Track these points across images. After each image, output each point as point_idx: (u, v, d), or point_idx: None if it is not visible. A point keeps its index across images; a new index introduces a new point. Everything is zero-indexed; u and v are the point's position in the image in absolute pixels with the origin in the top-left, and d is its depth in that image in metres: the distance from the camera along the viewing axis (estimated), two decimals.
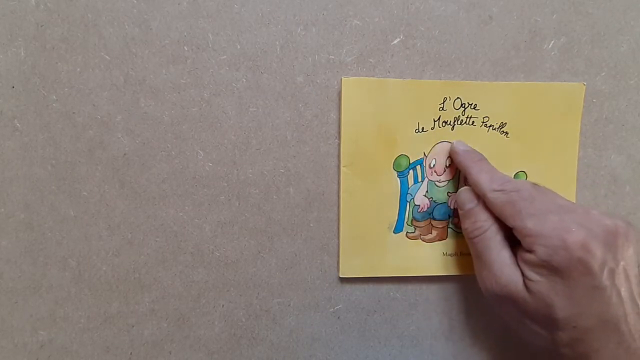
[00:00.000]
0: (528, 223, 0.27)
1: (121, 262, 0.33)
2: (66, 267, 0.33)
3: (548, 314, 0.26)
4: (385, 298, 0.35)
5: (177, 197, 0.33)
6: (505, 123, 0.34)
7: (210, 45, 0.33)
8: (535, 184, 0.29)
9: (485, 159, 0.32)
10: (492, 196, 0.29)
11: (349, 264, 0.34)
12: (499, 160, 0.34)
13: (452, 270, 0.35)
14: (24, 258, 0.33)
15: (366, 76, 0.33)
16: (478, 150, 0.34)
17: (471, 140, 0.34)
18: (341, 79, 0.33)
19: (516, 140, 0.34)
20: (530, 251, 0.27)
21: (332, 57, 0.33)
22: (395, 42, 0.34)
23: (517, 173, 0.34)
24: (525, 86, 0.34)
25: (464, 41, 0.34)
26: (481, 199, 0.30)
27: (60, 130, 0.33)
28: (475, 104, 0.34)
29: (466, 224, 0.30)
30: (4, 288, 0.33)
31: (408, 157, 0.34)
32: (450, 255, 0.35)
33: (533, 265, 0.26)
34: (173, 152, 0.33)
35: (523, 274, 0.27)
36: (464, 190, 0.32)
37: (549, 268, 0.26)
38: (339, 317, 0.35)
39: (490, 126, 0.34)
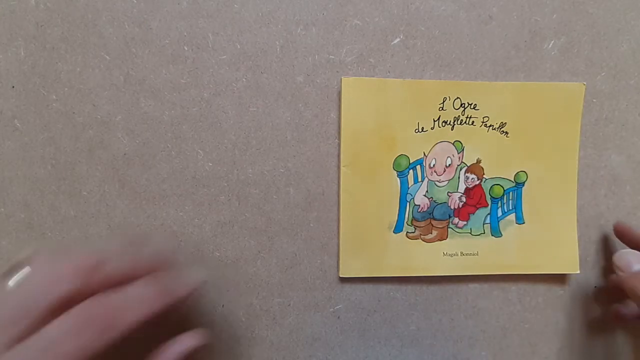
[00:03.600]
0: None
1: None
2: None
3: None
4: (385, 298, 0.35)
5: (177, 197, 0.33)
6: (505, 123, 0.34)
7: (210, 45, 0.33)
8: None
9: None
10: None
11: (349, 264, 0.34)
12: (499, 160, 0.34)
13: (452, 270, 0.34)
14: None
15: (366, 76, 0.33)
16: (478, 149, 0.34)
17: (471, 140, 0.34)
18: (341, 79, 0.33)
19: (516, 140, 0.34)
20: None
21: (332, 57, 0.33)
22: (395, 42, 0.34)
23: (517, 173, 0.34)
24: (525, 86, 0.34)
25: (464, 41, 0.34)
26: None
27: (60, 130, 0.33)
28: (475, 104, 0.34)
29: None
30: None
31: (408, 157, 0.34)
32: (451, 255, 0.34)
33: None
34: (173, 152, 0.33)
35: None
36: (626, 253, 0.31)
37: None
38: (339, 317, 0.35)
39: (490, 126, 0.34)
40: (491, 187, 0.34)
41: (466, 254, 0.34)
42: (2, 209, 0.33)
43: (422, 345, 0.35)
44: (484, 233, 0.35)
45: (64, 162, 0.33)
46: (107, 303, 0.21)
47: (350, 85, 0.33)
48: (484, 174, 0.34)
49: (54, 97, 0.32)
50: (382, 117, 0.33)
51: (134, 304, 0.22)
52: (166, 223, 0.33)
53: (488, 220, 0.35)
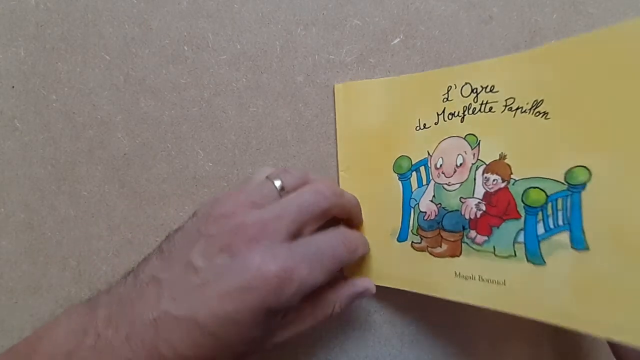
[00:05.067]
0: None
1: (121, 262, 0.33)
2: (66, 267, 0.33)
3: None
4: (385, 298, 0.35)
5: (177, 197, 0.33)
6: (542, 100, 0.25)
7: (210, 45, 0.33)
8: None
9: None
10: None
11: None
12: (536, 153, 0.25)
13: (468, 297, 0.26)
14: (24, 258, 0.33)
15: (366, 76, 0.33)
16: (501, 142, 0.26)
17: (490, 131, 0.27)
18: (333, 86, 0.32)
19: (562, 122, 0.24)
20: None
21: (332, 57, 0.33)
22: (395, 42, 0.34)
23: (571, 170, 0.24)
24: (567, 45, 0.24)
25: (464, 41, 0.34)
26: None
27: (60, 130, 0.33)
28: (492, 86, 0.27)
29: None
30: (4, 288, 0.33)
31: (409, 158, 0.30)
32: (466, 277, 0.27)
33: None
34: (173, 152, 0.33)
35: None
36: None
37: None
38: (339, 317, 0.35)
39: (517, 109, 0.26)
40: (525, 191, 0.25)
41: (487, 280, 0.26)
42: (2, 209, 0.33)
43: (422, 345, 0.35)
44: (515, 256, 0.25)
45: (64, 162, 0.33)
46: (352, 235, 0.27)
47: (343, 91, 0.32)
48: (511, 173, 0.26)
49: (54, 97, 0.32)
50: (377, 117, 0.32)
51: (361, 242, 0.29)
52: (166, 223, 0.33)
53: (521, 239, 0.25)
